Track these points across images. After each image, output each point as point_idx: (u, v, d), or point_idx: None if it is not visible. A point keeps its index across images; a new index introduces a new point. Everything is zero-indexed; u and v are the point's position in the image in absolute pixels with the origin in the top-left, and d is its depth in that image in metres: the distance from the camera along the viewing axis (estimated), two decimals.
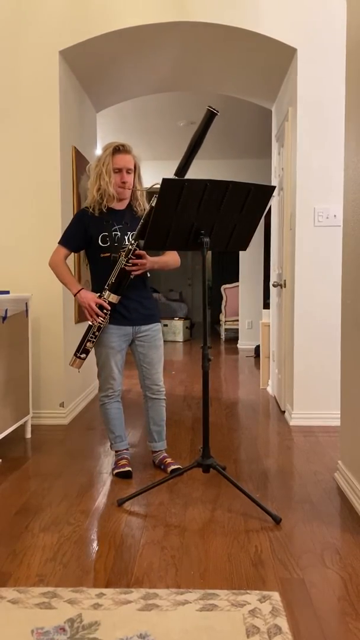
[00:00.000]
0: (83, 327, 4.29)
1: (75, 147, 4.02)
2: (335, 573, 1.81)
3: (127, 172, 2.61)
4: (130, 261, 2.51)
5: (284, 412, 4.04)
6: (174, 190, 2.14)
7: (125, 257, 2.51)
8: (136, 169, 2.66)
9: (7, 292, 3.26)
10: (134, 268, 2.53)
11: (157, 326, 2.77)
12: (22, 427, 3.38)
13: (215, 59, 4.04)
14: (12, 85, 3.62)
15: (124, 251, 2.53)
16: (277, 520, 2.19)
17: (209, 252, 2.43)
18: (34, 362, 3.62)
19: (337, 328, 2.79)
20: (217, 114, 2.30)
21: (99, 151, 5.31)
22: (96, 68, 4.03)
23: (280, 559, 1.90)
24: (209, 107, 2.30)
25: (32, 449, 3.21)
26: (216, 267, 11.93)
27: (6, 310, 3.03)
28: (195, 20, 3.51)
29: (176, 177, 2.35)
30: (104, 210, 2.64)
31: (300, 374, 3.69)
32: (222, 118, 5.93)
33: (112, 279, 2.55)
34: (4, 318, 3.01)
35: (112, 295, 2.56)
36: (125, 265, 2.51)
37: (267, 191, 2.32)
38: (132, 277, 2.56)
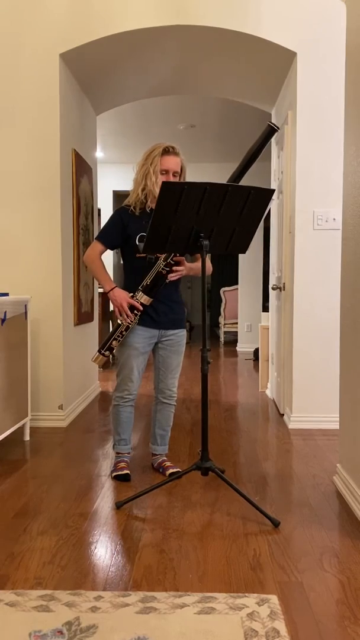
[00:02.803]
0: (83, 329, 4.31)
1: (75, 150, 4.03)
2: (334, 577, 1.81)
3: (174, 175, 2.59)
4: (168, 266, 2.51)
5: (283, 415, 4.03)
6: (174, 193, 2.15)
7: (163, 262, 2.51)
8: (182, 172, 2.65)
9: (7, 294, 3.26)
10: (171, 273, 2.54)
11: (183, 332, 2.77)
12: (21, 430, 3.37)
13: (215, 62, 4.05)
14: (12, 88, 3.62)
15: (162, 255, 2.52)
16: (276, 524, 2.18)
17: (209, 255, 2.43)
18: (33, 365, 3.62)
19: (336, 331, 2.80)
20: (277, 130, 2.31)
21: (99, 154, 5.32)
22: (96, 71, 4.04)
23: (279, 563, 1.89)
24: (269, 122, 2.31)
25: (31, 451, 3.21)
26: (215, 270, 11.94)
27: (5, 313, 3.03)
28: (196, 24, 3.52)
29: (177, 182, 2.35)
30: (147, 210, 2.62)
31: (299, 377, 3.68)
32: (221, 121, 5.99)
33: (147, 280, 2.54)
34: (3, 320, 3.01)
35: (144, 296, 2.56)
36: (163, 269, 2.51)
37: (267, 194, 2.32)
38: (167, 281, 2.57)
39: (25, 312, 3.36)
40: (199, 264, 2.71)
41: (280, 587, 1.73)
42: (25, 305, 3.36)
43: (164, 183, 2.17)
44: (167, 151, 2.58)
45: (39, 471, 2.86)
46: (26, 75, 3.62)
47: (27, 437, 3.41)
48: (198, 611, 1.59)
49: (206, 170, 6.97)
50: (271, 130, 2.31)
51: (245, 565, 1.87)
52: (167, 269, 2.52)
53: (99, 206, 5.78)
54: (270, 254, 4.92)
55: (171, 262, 2.52)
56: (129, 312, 2.55)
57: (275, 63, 3.84)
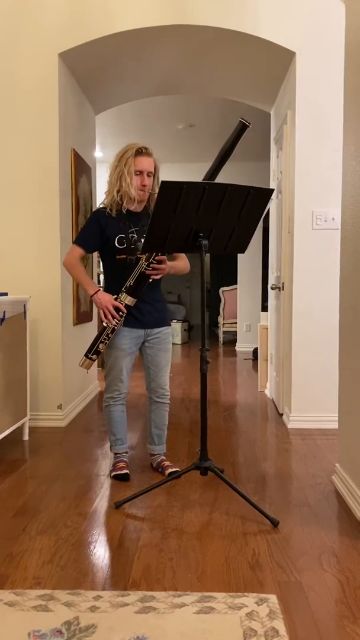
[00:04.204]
0: (82, 329, 4.30)
1: (74, 149, 4.02)
2: (333, 576, 1.81)
3: (148, 175, 2.60)
4: (150, 265, 2.52)
5: (282, 414, 4.04)
6: (173, 192, 2.15)
7: (145, 261, 2.51)
8: (156, 172, 2.65)
9: (6, 294, 3.26)
10: (154, 272, 2.54)
11: (168, 329, 2.77)
12: (20, 429, 3.37)
13: (214, 62, 4.04)
14: (11, 87, 3.62)
15: (144, 255, 2.52)
16: (275, 523, 2.18)
17: (208, 255, 2.43)
18: (32, 364, 3.62)
19: (335, 331, 2.80)
20: (249, 126, 2.30)
21: (98, 153, 5.32)
22: (96, 70, 4.04)
23: (278, 562, 1.89)
24: (241, 119, 2.30)
25: (30, 451, 3.21)
26: (215, 269, 11.95)
27: (4, 312, 3.03)
28: (195, 23, 3.51)
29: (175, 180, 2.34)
30: (124, 211, 2.63)
31: (299, 377, 3.68)
32: (221, 121, 5.98)
33: (130, 281, 2.54)
34: (2, 320, 3.01)
35: (128, 297, 2.56)
36: (145, 269, 2.51)
37: (266, 194, 2.32)
38: (150, 281, 2.57)
39: (24, 312, 3.36)
40: (178, 263, 2.75)
41: (279, 587, 1.73)
42: (24, 305, 3.36)
43: (163, 182, 2.16)
44: (140, 152, 2.59)
45: (38, 471, 2.86)
46: (25, 74, 3.62)
47: (26, 437, 3.41)
48: (197, 611, 1.59)
49: (205, 169, 6.96)
50: (243, 127, 2.31)
51: (244, 565, 1.87)
52: (150, 268, 2.52)
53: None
54: (269, 254, 4.92)
55: (153, 261, 2.52)
56: (115, 314, 2.55)
57: (274, 63, 3.84)
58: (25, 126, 3.63)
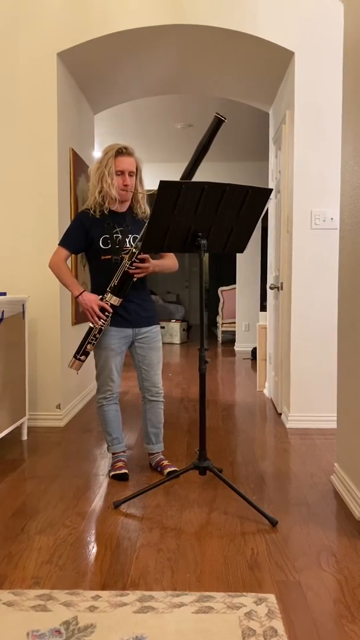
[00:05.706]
0: (80, 329, 4.30)
1: (72, 149, 4.02)
2: (332, 576, 1.81)
3: (130, 175, 2.61)
4: (134, 264, 2.52)
5: (280, 414, 4.04)
6: (171, 192, 2.15)
7: (129, 261, 2.51)
8: (138, 171, 2.66)
9: (4, 294, 3.26)
10: (137, 271, 2.54)
11: (156, 328, 2.78)
12: (19, 429, 3.37)
13: (213, 61, 4.04)
14: (10, 87, 3.62)
15: (127, 254, 2.53)
16: (274, 523, 2.18)
17: (206, 255, 2.43)
18: (31, 364, 3.62)
19: (334, 330, 2.80)
20: (224, 121, 2.30)
21: (97, 153, 5.32)
22: (94, 70, 4.04)
23: (277, 562, 1.90)
24: (217, 114, 2.30)
25: (29, 451, 3.21)
26: (213, 269, 11.95)
27: (3, 312, 3.03)
28: (194, 23, 3.51)
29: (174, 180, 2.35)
30: (106, 212, 2.64)
31: (297, 376, 3.69)
32: None
33: (115, 281, 2.55)
34: (1, 320, 3.01)
35: (113, 297, 2.57)
36: (129, 268, 2.52)
37: (264, 194, 2.32)
38: (134, 280, 2.57)
39: (23, 312, 3.36)
40: (165, 261, 2.76)
41: (278, 586, 1.74)
42: (23, 305, 3.36)
43: (162, 182, 2.15)
44: (120, 152, 2.59)
45: (36, 471, 2.86)
46: (24, 74, 3.62)
47: (24, 437, 3.40)
48: (196, 610, 1.59)
49: (204, 169, 6.96)
50: (219, 122, 2.32)
51: (243, 565, 1.87)
52: (133, 267, 2.52)
53: None
54: (268, 254, 4.92)
55: (136, 260, 2.52)
56: (100, 314, 2.55)
57: (273, 62, 3.84)
58: (24, 126, 3.63)
